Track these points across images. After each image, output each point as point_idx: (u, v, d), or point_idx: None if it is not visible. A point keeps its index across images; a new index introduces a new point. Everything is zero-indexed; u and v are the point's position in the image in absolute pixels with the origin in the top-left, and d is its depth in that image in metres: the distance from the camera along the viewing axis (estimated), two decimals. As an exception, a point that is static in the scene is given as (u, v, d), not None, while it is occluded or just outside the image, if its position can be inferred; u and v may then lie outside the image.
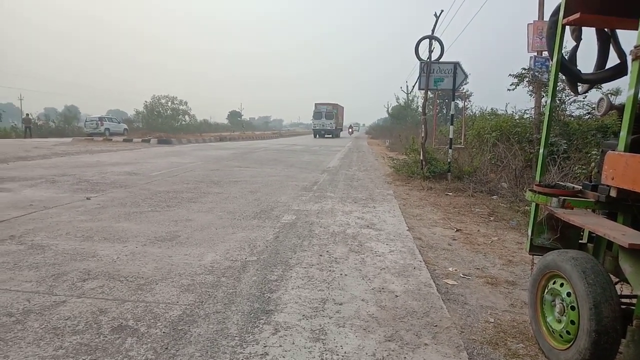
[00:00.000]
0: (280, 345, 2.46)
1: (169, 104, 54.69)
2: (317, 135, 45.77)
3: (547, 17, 3.39)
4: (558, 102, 9.40)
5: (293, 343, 2.50)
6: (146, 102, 53.51)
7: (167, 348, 2.39)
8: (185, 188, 7.99)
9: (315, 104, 45.82)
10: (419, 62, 10.25)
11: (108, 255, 3.99)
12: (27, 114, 34.86)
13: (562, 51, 2.78)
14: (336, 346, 2.48)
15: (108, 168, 11.00)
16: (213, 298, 3.10)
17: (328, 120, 44.64)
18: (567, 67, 2.96)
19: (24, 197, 6.70)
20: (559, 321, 2.34)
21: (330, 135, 45.61)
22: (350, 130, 61.58)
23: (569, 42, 3.06)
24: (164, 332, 2.57)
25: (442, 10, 9.99)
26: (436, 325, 2.80)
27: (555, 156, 7.95)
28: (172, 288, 3.26)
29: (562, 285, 2.34)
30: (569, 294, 2.26)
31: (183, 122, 54.78)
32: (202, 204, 6.51)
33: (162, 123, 49.70)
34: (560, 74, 3.02)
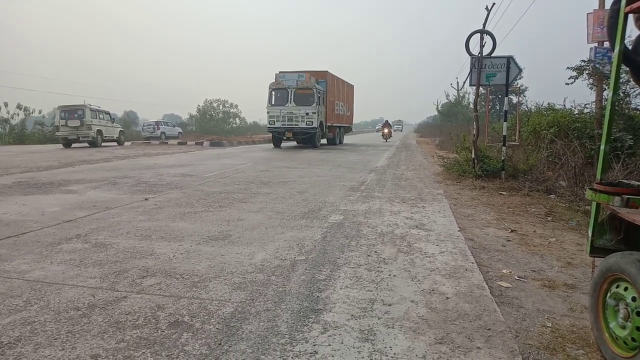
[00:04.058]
0: (330, 345, 2.48)
1: (220, 107, 56.48)
2: (279, 142, 23.23)
3: (608, 6, 3.21)
4: (622, 95, 8.83)
5: (342, 342, 2.51)
6: (199, 105, 55.57)
7: (220, 344, 2.47)
8: (236, 189, 8.21)
9: (277, 74, 22.07)
10: (469, 57, 9.98)
11: (165, 253, 4.18)
12: (91, 120, 37.12)
13: (625, 41, 2.62)
14: (385, 347, 2.47)
15: (164, 170, 11.49)
16: (263, 296, 3.17)
17: (301, 108, 21.16)
18: (631, 58, 2.78)
19: (88, 198, 7.13)
20: (623, 327, 2.21)
21: (307, 141, 22.70)
22: (385, 130, 34.21)
23: (633, 32, 2.88)
24: (217, 329, 2.66)
25: (493, 3, 9.67)
26: (489, 329, 2.72)
27: (619, 152, 7.47)
28: (225, 286, 3.37)
29: (626, 289, 2.21)
30: (634, 299, 2.13)
31: (234, 125, 56.43)
32: (253, 204, 6.66)
33: (214, 126, 51.40)
34: (623, 66, 2.85)
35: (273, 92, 21.85)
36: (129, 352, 2.37)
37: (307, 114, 21.18)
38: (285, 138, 22.47)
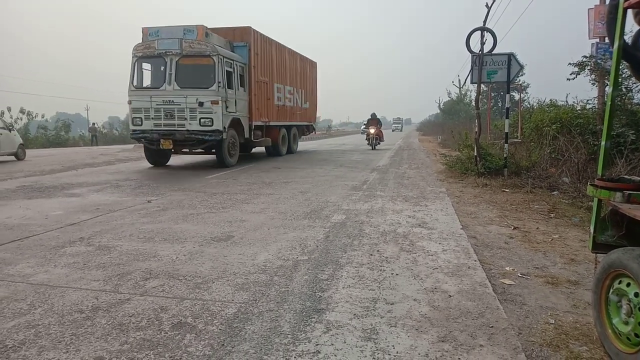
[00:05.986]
0: (332, 344, 2.49)
1: (222, 108, 56.43)
2: (161, 157, 12.51)
3: (608, 1, 3.20)
4: (624, 90, 8.82)
5: (345, 342, 2.51)
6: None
7: (223, 344, 2.48)
8: (238, 190, 8.22)
9: (145, 29, 11.46)
10: (470, 55, 9.96)
11: (168, 255, 4.19)
12: (93, 123, 37.42)
13: (625, 36, 2.61)
14: (388, 346, 2.47)
15: (167, 172, 11.50)
16: (266, 296, 3.18)
17: (188, 93, 10.89)
18: (630, 53, 2.78)
19: (91, 201, 7.16)
20: (626, 323, 2.21)
21: (214, 154, 11.86)
22: (370, 131, 21.68)
23: (634, 27, 2.87)
24: (220, 329, 2.66)
25: (494, 1, 9.66)
26: (492, 326, 2.72)
27: (622, 148, 7.45)
28: (228, 287, 3.38)
29: (628, 285, 2.21)
30: (636, 294, 2.13)
31: (236, 126, 56.42)
32: (255, 205, 6.67)
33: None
34: (623, 61, 2.84)
35: (140, 64, 11.76)
36: (132, 354, 2.38)
37: (201, 103, 11.04)
38: (171, 150, 11.90)
